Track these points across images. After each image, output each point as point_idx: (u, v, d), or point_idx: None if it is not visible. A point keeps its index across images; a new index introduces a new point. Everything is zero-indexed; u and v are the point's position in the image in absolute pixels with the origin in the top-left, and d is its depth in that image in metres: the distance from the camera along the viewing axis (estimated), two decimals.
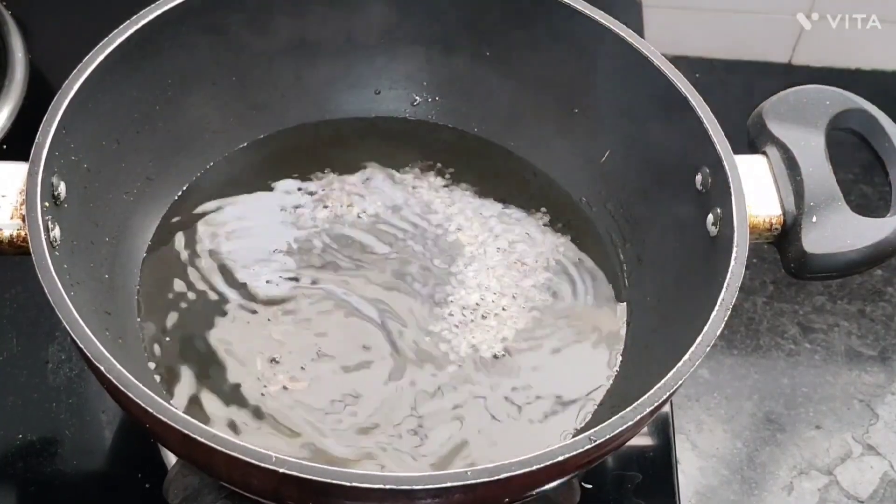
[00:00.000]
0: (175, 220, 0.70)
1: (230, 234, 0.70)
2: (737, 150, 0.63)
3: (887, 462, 0.84)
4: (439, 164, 0.75)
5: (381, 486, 0.48)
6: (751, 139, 0.67)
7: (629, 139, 0.70)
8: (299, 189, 0.73)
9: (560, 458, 0.50)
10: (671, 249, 0.67)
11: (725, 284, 0.57)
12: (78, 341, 0.52)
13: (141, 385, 0.51)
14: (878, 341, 0.90)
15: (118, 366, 0.51)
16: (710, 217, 0.62)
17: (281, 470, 0.48)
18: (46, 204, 0.57)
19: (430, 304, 0.68)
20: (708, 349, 0.54)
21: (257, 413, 0.62)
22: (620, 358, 0.67)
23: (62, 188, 0.59)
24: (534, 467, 0.49)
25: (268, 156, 0.74)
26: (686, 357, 0.54)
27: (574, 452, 0.50)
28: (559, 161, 0.75)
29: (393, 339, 0.66)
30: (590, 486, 0.69)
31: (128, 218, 0.67)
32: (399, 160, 0.75)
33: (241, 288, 0.68)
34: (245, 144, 0.74)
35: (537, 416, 0.64)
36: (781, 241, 0.63)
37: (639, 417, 0.52)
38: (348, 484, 0.48)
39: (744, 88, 1.05)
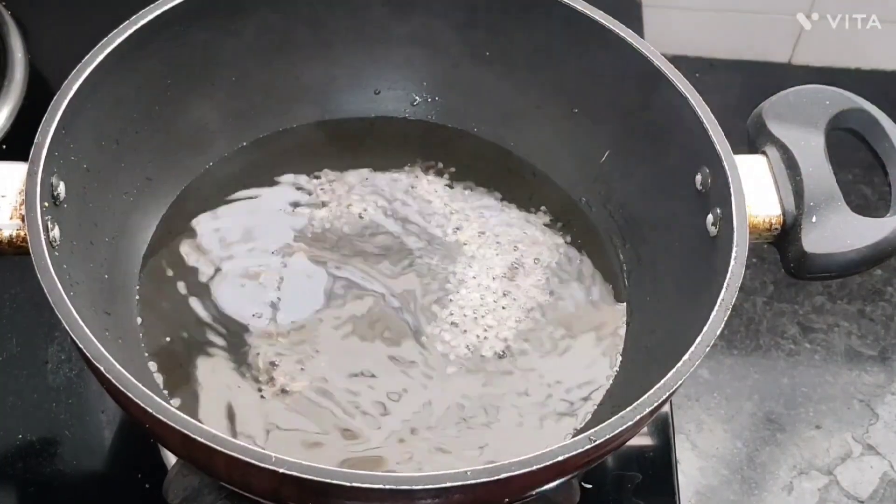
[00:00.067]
0: (175, 220, 0.70)
1: (230, 234, 0.70)
2: (737, 150, 0.63)
3: (887, 462, 0.84)
4: (439, 164, 0.75)
5: (381, 486, 0.48)
6: (751, 139, 0.67)
7: (629, 139, 0.70)
8: (299, 189, 0.73)
9: (560, 458, 0.50)
10: (671, 249, 0.67)
11: (725, 284, 0.57)
12: (77, 341, 0.52)
13: (141, 385, 0.51)
14: (878, 341, 0.90)
15: (118, 366, 0.51)
16: (710, 217, 0.62)
17: (281, 470, 0.48)
18: (46, 204, 0.57)
19: (430, 304, 0.68)
20: (708, 349, 0.54)
21: (258, 413, 0.62)
22: (620, 358, 0.67)
23: (62, 188, 0.59)
24: (534, 467, 0.49)
25: (268, 156, 0.74)
26: (686, 357, 0.54)
27: (574, 452, 0.50)
28: (559, 161, 0.75)
29: (393, 339, 0.66)
30: (590, 486, 0.69)
31: (127, 218, 0.67)
32: (399, 160, 0.75)
33: (241, 288, 0.68)
34: (245, 144, 0.74)
35: (537, 416, 0.64)
36: (781, 241, 0.63)
37: (639, 417, 0.52)
38: (348, 484, 0.48)
39: (744, 88, 1.05)
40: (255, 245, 0.70)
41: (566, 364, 0.67)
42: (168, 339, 0.65)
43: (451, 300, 0.68)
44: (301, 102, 0.75)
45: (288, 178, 0.73)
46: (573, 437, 0.55)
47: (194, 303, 0.67)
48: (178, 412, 0.50)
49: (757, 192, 0.63)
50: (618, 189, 0.72)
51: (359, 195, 0.73)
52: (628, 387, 0.63)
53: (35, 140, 0.58)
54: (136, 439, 0.69)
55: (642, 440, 0.72)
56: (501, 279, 0.70)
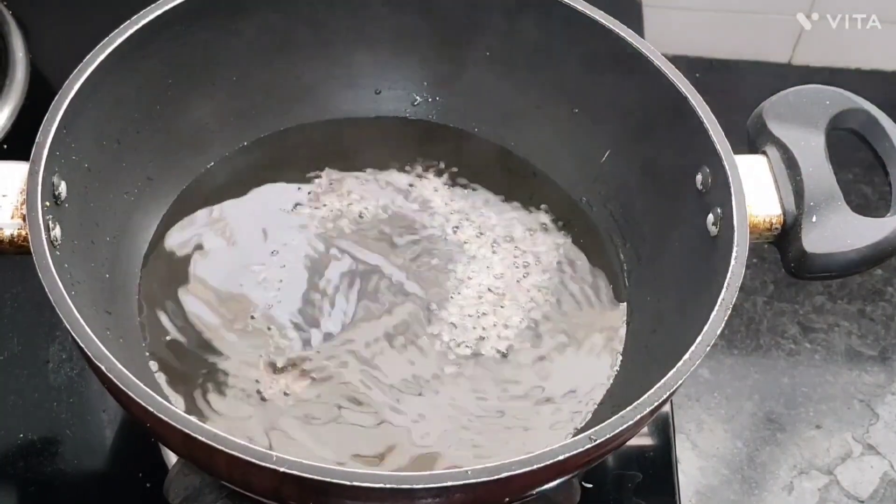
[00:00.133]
0: (175, 219, 0.70)
1: (230, 234, 0.70)
2: (737, 150, 0.63)
3: (887, 462, 0.84)
4: (439, 164, 0.75)
5: (382, 485, 0.48)
6: (751, 139, 0.67)
7: (629, 139, 0.70)
8: (299, 189, 0.73)
9: (560, 458, 0.50)
10: (671, 249, 0.67)
11: (725, 284, 0.57)
12: (79, 341, 0.52)
13: (142, 384, 0.51)
14: (878, 341, 0.90)
15: (119, 365, 0.51)
16: (711, 217, 0.63)
17: (281, 469, 0.48)
18: (47, 203, 0.57)
19: (430, 304, 0.68)
20: (708, 349, 0.54)
21: (258, 412, 0.62)
22: (620, 358, 0.67)
23: (63, 188, 0.59)
24: (534, 467, 0.49)
25: (268, 155, 0.74)
26: (686, 357, 0.54)
27: (574, 452, 0.50)
28: (559, 161, 0.75)
29: (392, 339, 0.66)
30: (590, 486, 0.69)
31: (128, 217, 0.67)
32: (399, 160, 0.75)
33: (241, 288, 0.68)
34: (245, 144, 0.74)
35: (537, 415, 0.64)
36: (781, 241, 0.64)
37: (639, 417, 0.52)
38: (349, 483, 0.48)
39: (744, 88, 1.05)
40: (255, 245, 0.70)
41: (566, 363, 0.67)
42: (169, 338, 0.65)
43: (451, 300, 0.68)
44: (301, 102, 0.75)
45: (288, 177, 0.73)
46: (573, 436, 0.55)
47: (195, 302, 0.67)
48: (179, 411, 0.50)
49: (757, 191, 0.63)
50: (618, 189, 0.72)
51: (359, 195, 0.73)
52: (628, 386, 0.63)
53: (36, 140, 0.58)
54: (137, 439, 0.69)
55: (643, 440, 0.72)
56: (501, 279, 0.70)
